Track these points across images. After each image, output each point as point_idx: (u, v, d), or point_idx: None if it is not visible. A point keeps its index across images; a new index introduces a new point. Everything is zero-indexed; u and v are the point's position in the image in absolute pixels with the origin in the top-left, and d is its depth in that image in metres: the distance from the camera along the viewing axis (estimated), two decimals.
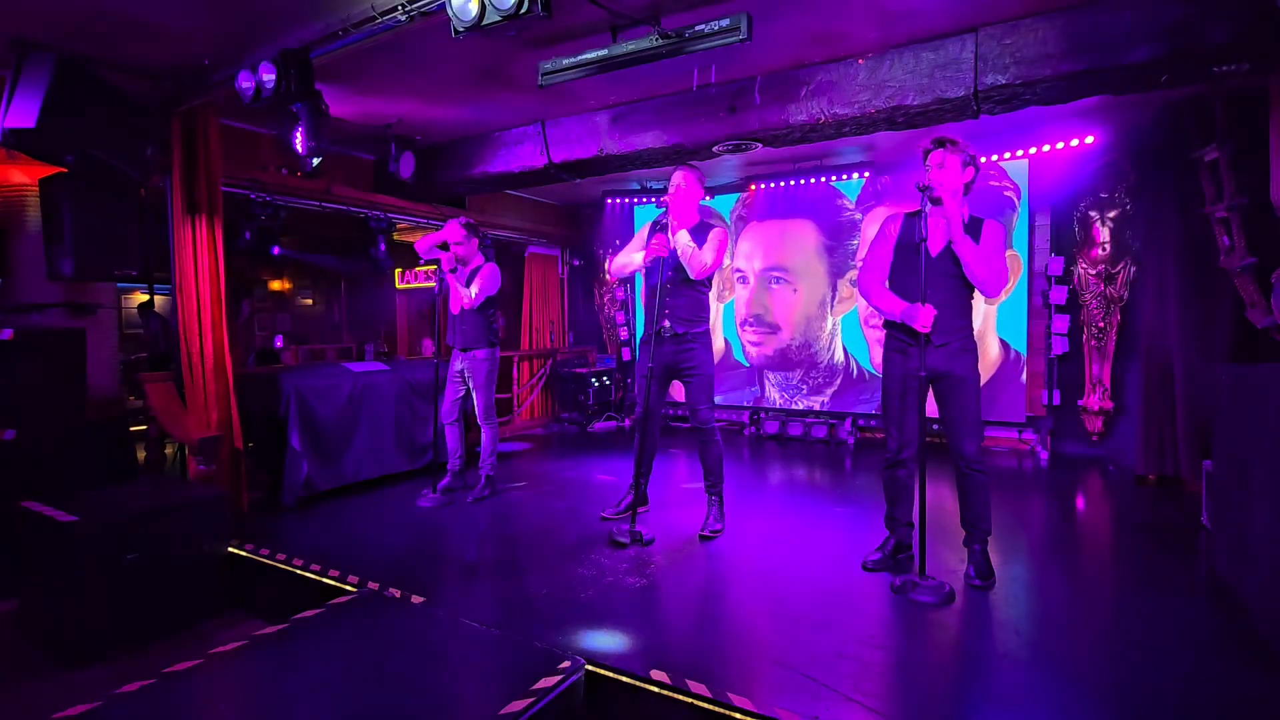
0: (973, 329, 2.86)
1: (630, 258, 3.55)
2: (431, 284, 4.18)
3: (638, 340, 6.42)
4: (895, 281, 2.95)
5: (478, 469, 4.29)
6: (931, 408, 2.88)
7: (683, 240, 3.33)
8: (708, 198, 6.79)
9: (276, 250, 4.95)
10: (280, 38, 3.33)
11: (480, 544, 3.46)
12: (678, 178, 3.43)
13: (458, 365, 4.21)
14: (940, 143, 2.79)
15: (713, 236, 3.40)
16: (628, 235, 7.18)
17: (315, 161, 3.89)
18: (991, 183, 5.53)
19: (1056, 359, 5.42)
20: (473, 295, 4.07)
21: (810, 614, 2.60)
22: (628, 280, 7.60)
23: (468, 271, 4.18)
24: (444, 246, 4.13)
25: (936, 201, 2.78)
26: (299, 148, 3.73)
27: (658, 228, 3.43)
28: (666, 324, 3.40)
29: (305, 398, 4.29)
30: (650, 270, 3.50)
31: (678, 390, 3.69)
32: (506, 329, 7.65)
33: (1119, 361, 5.23)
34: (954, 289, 2.79)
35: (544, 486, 4.64)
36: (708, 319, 3.53)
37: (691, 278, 3.38)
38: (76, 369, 3.61)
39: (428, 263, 4.29)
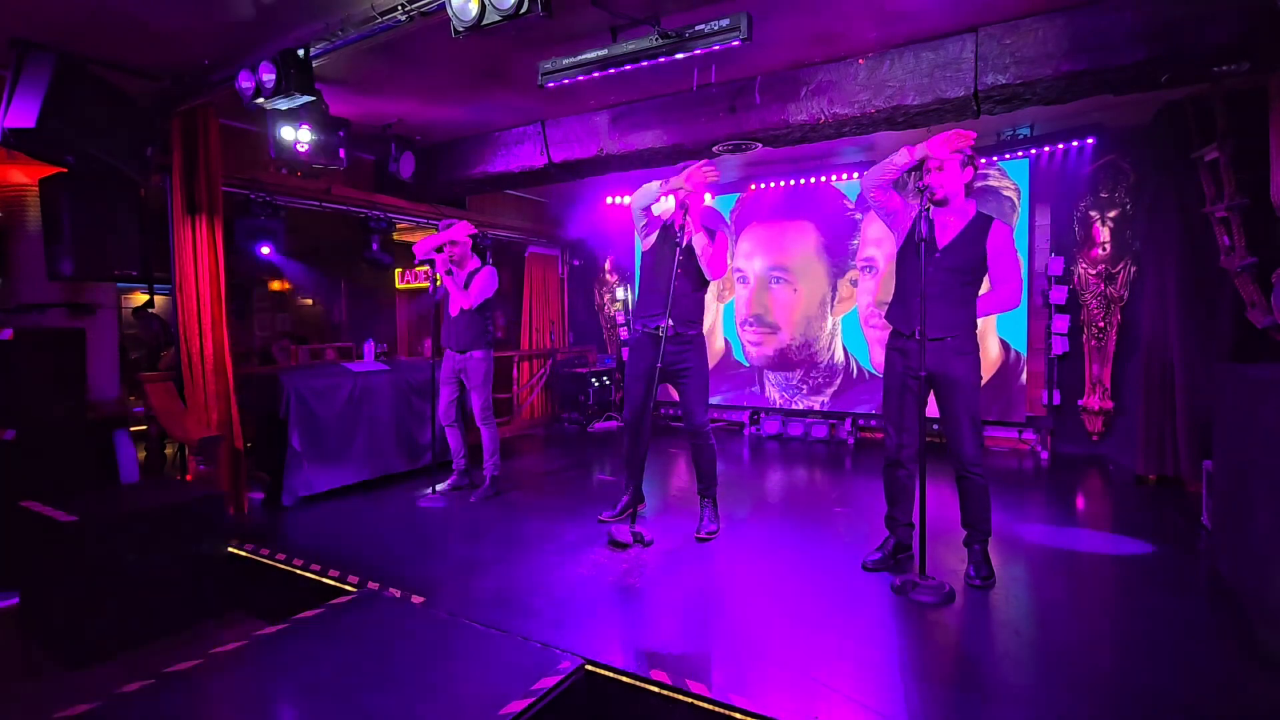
0: (974, 327, 2.83)
1: (651, 192, 3.35)
2: (427, 285, 4.19)
3: None
4: (899, 276, 2.97)
5: (482, 469, 4.29)
6: (933, 408, 2.89)
7: (701, 241, 3.32)
8: (709, 198, 6.83)
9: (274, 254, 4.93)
10: (280, 38, 3.33)
11: (480, 544, 3.46)
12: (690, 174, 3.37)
13: (453, 367, 4.21)
14: None
15: (721, 240, 3.42)
16: (627, 237, 7.19)
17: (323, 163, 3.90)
18: (991, 183, 5.54)
19: (1056, 359, 5.41)
20: (474, 299, 4.08)
21: (810, 614, 2.60)
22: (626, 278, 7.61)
23: (464, 274, 4.18)
24: (438, 249, 4.14)
25: (940, 203, 2.79)
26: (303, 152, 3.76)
27: (665, 226, 3.42)
28: (670, 323, 3.35)
29: (305, 398, 4.29)
30: (651, 267, 3.49)
31: (672, 389, 3.67)
32: (506, 329, 7.66)
33: (1119, 361, 5.22)
34: (954, 284, 2.79)
35: (544, 486, 4.65)
36: (703, 321, 3.54)
37: (708, 278, 3.39)
38: (76, 369, 3.61)
39: (422, 263, 4.30)
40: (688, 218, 3.27)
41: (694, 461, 3.55)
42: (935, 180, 2.76)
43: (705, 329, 3.61)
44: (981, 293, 2.88)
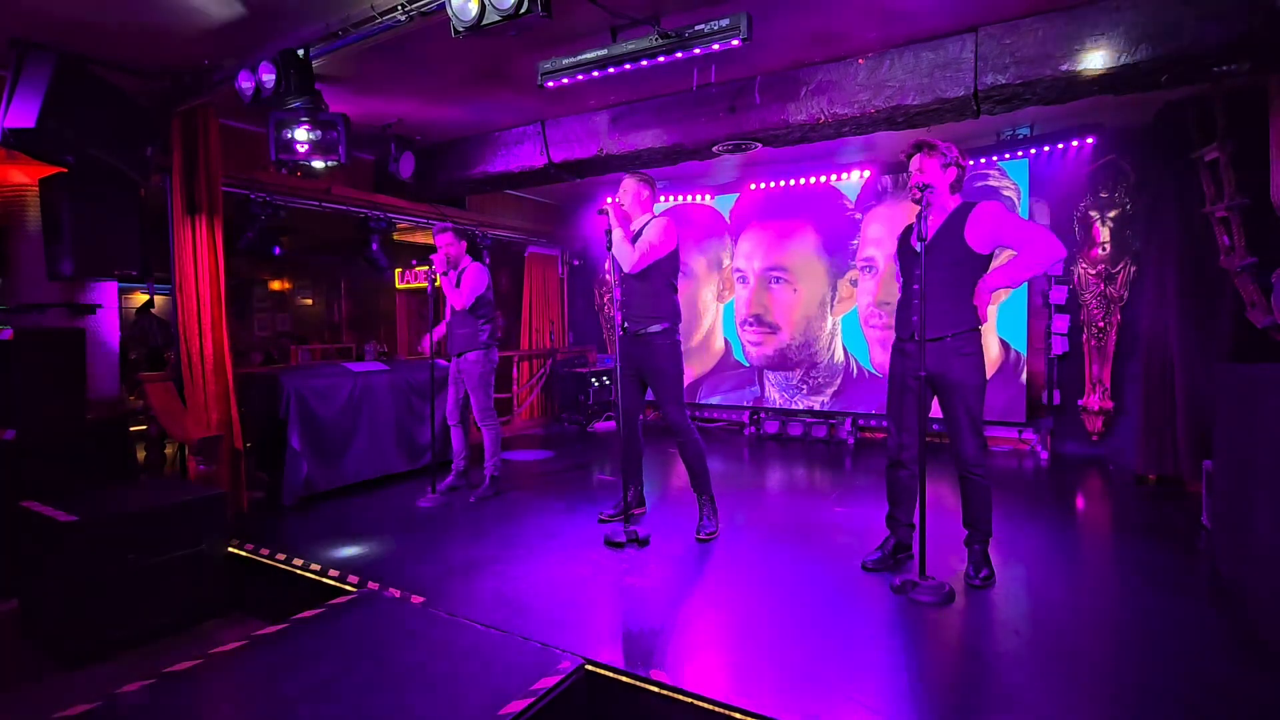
0: (974, 325, 2.78)
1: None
2: (426, 285, 4.21)
3: None
4: (902, 282, 2.97)
5: (482, 469, 4.29)
6: (938, 408, 2.88)
7: (614, 238, 3.32)
8: (708, 197, 6.84)
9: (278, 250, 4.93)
10: (280, 38, 3.34)
11: (480, 544, 3.46)
12: (623, 183, 3.53)
13: (454, 367, 4.21)
14: (918, 147, 2.80)
15: (649, 228, 3.38)
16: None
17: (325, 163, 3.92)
18: (991, 183, 5.54)
19: (1056, 359, 5.42)
20: (465, 298, 4.08)
21: (810, 614, 2.60)
22: None
23: (456, 275, 4.18)
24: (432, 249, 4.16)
25: (929, 204, 2.78)
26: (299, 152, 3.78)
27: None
28: (626, 323, 3.39)
29: (305, 398, 4.29)
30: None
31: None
32: (506, 329, 7.65)
33: (1119, 361, 5.23)
34: (946, 281, 2.77)
35: (544, 486, 4.65)
36: (670, 317, 3.43)
37: (626, 271, 3.36)
38: (76, 369, 3.61)
39: (423, 262, 4.31)
40: (612, 219, 3.31)
41: (681, 458, 3.55)
42: (917, 181, 2.76)
43: (704, 328, 3.61)
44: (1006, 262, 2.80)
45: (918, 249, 2.71)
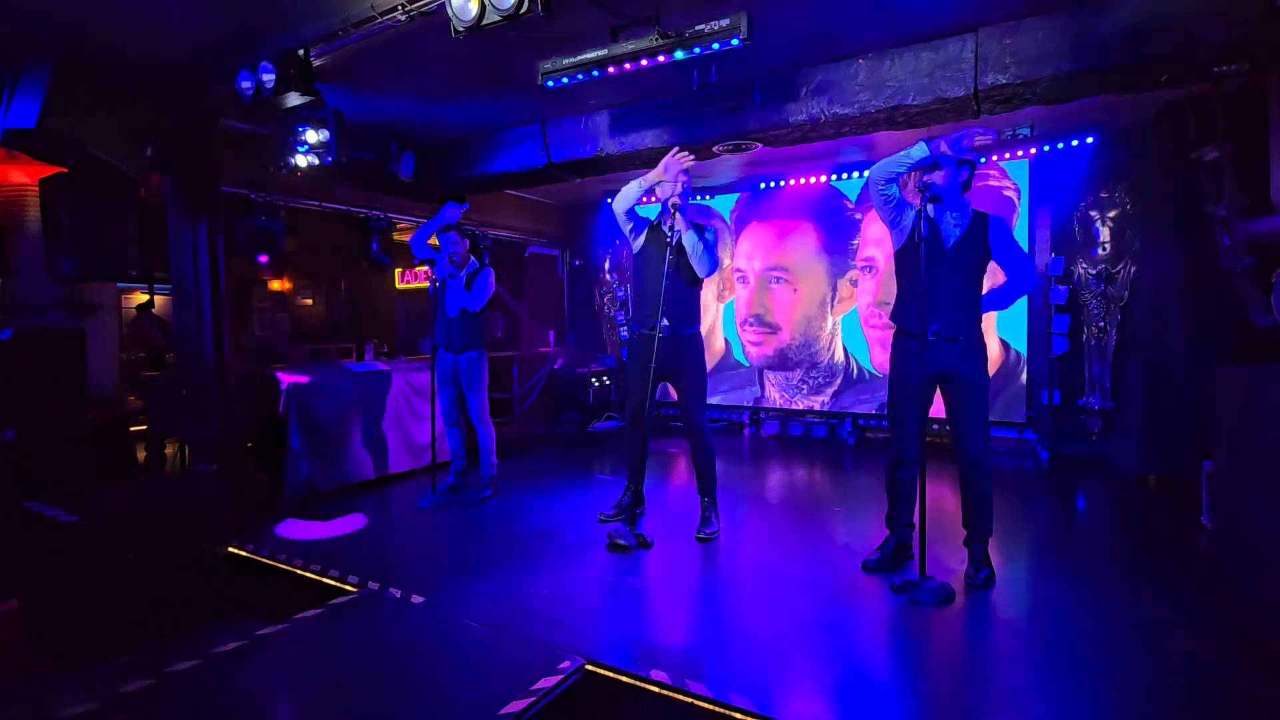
0: (980, 325, 2.85)
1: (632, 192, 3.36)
2: (427, 284, 4.22)
3: None
4: (905, 275, 2.96)
5: (479, 469, 4.29)
6: (937, 407, 2.89)
7: (691, 240, 3.31)
8: (708, 198, 6.84)
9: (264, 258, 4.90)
10: (280, 38, 3.33)
11: (480, 544, 3.46)
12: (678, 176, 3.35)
13: (448, 367, 4.21)
14: None
15: (713, 236, 3.40)
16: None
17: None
18: (991, 183, 5.54)
19: (1056, 359, 5.41)
20: (480, 301, 4.11)
21: (810, 614, 2.60)
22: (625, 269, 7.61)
23: (463, 275, 4.19)
24: (436, 247, 4.16)
25: (936, 200, 2.79)
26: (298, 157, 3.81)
27: (653, 226, 3.42)
28: (665, 323, 3.34)
29: (305, 397, 4.29)
30: (642, 268, 3.50)
31: (671, 389, 3.66)
32: (506, 329, 7.65)
33: (1119, 361, 5.22)
34: (963, 284, 2.81)
35: (543, 487, 4.64)
36: (700, 320, 3.54)
37: (700, 276, 3.38)
38: (76, 369, 3.61)
39: (422, 262, 4.31)
40: (676, 216, 3.27)
41: (693, 461, 3.55)
42: (934, 177, 2.76)
43: (705, 329, 3.61)
44: (992, 285, 2.88)
45: (947, 246, 2.78)
